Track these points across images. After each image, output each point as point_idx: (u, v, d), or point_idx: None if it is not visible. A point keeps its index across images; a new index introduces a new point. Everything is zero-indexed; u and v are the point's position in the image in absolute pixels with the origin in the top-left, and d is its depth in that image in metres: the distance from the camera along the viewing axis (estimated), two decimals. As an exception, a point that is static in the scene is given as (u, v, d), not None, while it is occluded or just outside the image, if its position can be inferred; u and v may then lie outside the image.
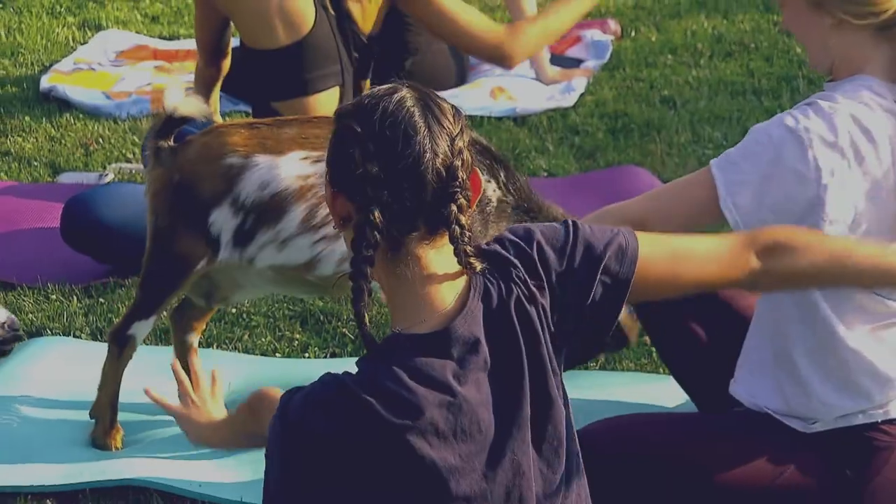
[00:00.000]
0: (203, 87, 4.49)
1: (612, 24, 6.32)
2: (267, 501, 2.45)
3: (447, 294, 2.43)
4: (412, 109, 2.38)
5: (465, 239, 2.41)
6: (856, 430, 3.14)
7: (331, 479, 2.39)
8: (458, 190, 2.39)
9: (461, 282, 2.44)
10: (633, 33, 6.33)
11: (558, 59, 5.99)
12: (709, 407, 3.43)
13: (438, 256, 2.42)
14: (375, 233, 2.37)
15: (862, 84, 3.05)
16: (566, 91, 5.71)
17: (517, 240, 2.50)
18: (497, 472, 2.43)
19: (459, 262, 2.42)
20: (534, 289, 2.46)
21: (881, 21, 3.04)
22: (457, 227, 2.40)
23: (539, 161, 5.09)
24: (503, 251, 2.48)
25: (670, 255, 2.58)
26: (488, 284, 2.45)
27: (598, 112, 5.55)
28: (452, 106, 2.44)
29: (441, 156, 2.38)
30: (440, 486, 2.39)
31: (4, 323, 3.36)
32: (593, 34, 6.19)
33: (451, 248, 2.42)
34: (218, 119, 4.51)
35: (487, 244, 2.52)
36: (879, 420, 3.13)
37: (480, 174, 2.48)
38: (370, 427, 2.35)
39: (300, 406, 2.38)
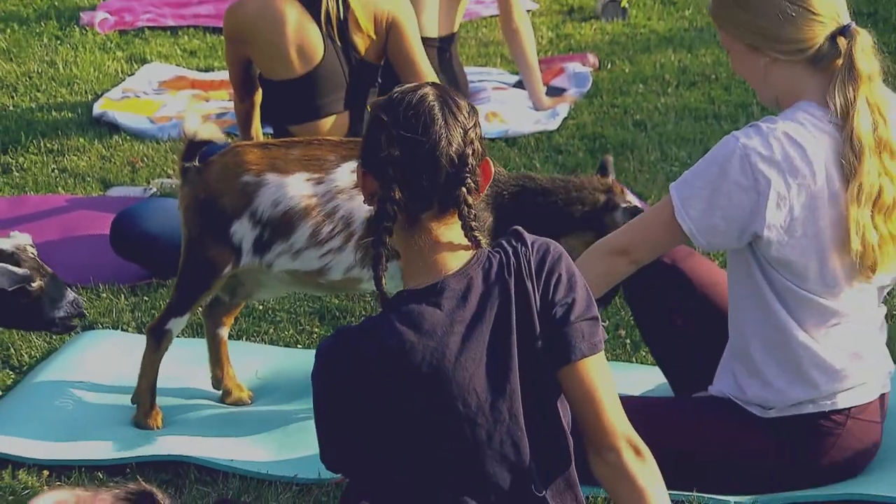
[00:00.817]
0: (243, 120, 4.45)
1: (591, 58, 6.33)
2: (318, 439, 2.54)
3: (452, 262, 2.47)
4: (432, 103, 2.43)
5: (472, 217, 2.46)
6: (807, 417, 3.14)
7: (345, 416, 2.46)
8: (468, 175, 2.44)
9: (468, 253, 2.48)
10: (609, 65, 6.33)
11: (545, 89, 5.99)
12: (681, 388, 3.42)
13: (448, 231, 2.46)
14: (395, 207, 2.42)
15: (799, 108, 3.06)
16: (551, 116, 5.71)
17: (546, 242, 2.52)
18: (479, 416, 2.43)
19: (466, 237, 2.47)
20: (534, 269, 2.48)
21: (809, 56, 3.05)
22: (465, 207, 2.44)
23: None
24: (527, 235, 2.51)
25: (590, 389, 2.49)
26: (491, 256, 2.48)
27: (579, 134, 5.56)
28: (468, 103, 2.49)
29: (455, 144, 2.42)
30: (427, 422, 2.42)
31: (74, 300, 3.42)
32: (575, 66, 6.19)
33: (459, 224, 2.47)
34: None
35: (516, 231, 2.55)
36: (827, 410, 3.13)
37: (491, 163, 2.53)
38: (365, 370, 2.41)
39: (316, 365, 2.47)
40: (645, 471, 2.49)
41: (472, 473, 2.45)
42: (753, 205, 3.00)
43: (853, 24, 3.03)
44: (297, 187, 3.47)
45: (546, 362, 2.46)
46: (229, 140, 3.64)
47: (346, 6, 4.14)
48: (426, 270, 2.47)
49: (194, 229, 3.53)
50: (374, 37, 4.18)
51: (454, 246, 2.47)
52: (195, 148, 3.53)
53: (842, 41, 3.02)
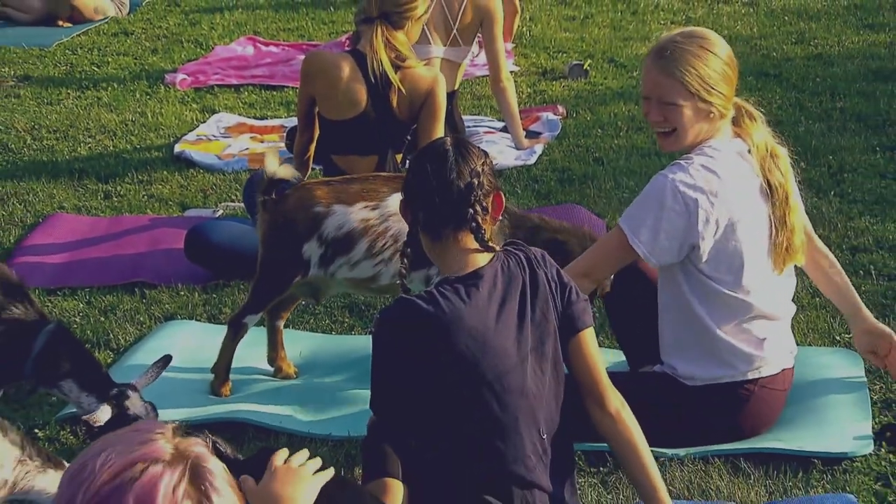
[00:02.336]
0: (300, 150, 4.35)
1: (560, 108, 6.32)
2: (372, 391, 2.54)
3: (480, 260, 2.53)
4: (448, 148, 2.53)
5: (481, 233, 2.52)
6: (725, 386, 3.15)
7: (400, 369, 2.49)
8: (475, 200, 2.51)
9: (490, 255, 2.55)
10: (574, 114, 6.33)
11: (525, 133, 5.98)
12: (635, 362, 3.41)
13: (470, 242, 2.53)
14: (418, 224, 2.53)
15: (704, 145, 3.11)
16: (529, 154, 5.71)
17: (542, 251, 2.63)
18: (514, 370, 2.50)
19: (481, 246, 2.52)
20: (546, 265, 2.58)
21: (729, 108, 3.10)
22: (473, 224, 2.51)
23: (511, 201, 5.08)
24: (521, 243, 2.63)
25: (594, 356, 2.61)
26: (508, 257, 2.56)
27: (551, 168, 5.55)
28: (481, 150, 2.58)
29: (463, 179, 2.50)
30: (472, 373, 2.47)
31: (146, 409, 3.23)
32: (548, 115, 6.19)
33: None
34: (308, 171, 4.46)
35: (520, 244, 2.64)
36: (740, 380, 3.14)
37: (503, 196, 2.60)
38: (425, 331, 2.45)
39: (380, 326, 2.50)
40: (633, 420, 2.64)
41: (502, 417, 2.49)
42: (687, 223, 3.01)
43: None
44: (357, 213, 3.48)
45: (560, 331, 2.56)
46: (300, 178, 3.62)
47: (387, 76, 4.08)
48: (461, 266, 2.53)
49: (272, 248, 3.52)
50: (409, 101, 4.13)
51: (478, 250, 2.54)
52: (273, 185, 3.52)
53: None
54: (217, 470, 1.39)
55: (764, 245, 3.10)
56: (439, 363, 2.45)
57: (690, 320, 3.11)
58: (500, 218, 3.61)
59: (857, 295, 3.41)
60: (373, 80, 4.08)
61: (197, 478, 1.36)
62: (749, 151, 3.10)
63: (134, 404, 3.16)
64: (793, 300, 3.26)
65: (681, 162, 3.06)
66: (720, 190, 3.01)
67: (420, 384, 2.47)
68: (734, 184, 3.04)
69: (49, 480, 2.68)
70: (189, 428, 1.49)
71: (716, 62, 3.05)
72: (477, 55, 6.08)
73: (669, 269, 3.11)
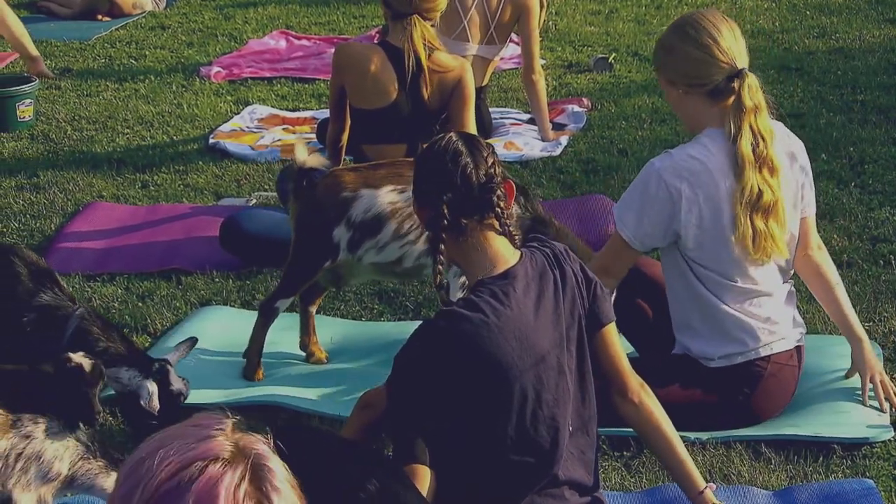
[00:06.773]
0: (332, 140, 4.35)
1: (586, 101, 6.31)
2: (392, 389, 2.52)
3: (508, 254, 2.51)
4: (458, 143, 2.51)
5: (506, 216, 2.50)
6: (740, 366, 3.16)
7: (442, 368, 2.47)
8: (496, 186, 2.50)
9: (517, 252, 2.53)
10: (599, 107, 6.31)
11: (550, 124, 5.96)
12: (644, 350, 3.41)
13: (492, 230, 2.51)
14: (444, 221, 2.47)
15: (704, 134, 3.10)
16: (555, 145, 5.70)
17: (565, 246, 2.64)
18: (551, 367, 2.49)
19: (503, 231, 2.50)
20: (571, 261, 2.57)
21: (707, 90, 3.06)
22: (498, 209, 2.50)
23: (536, 191, 5.07)
24: (547, 238, 2.63)
25: (617, 348, 2.63)
26: (534, 252, 2.55)
27: (576, 159, 5.54)
28: (486, 143, 2.57)
29: (481, 168, 2.49)
30: (515, 369, 2.46)
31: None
32: (573, 107, 6.17)
33: (497, 224, 2.51)
34: (341, 160, 4.45)
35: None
36: (753, 357, 3.15)
37: (513, 184, 2.59)
38: (465, 327, 2.43)
39: (431, 335, 2.48)
40: (656, 402, 2.64)
41: (539, 413, 2.49)
42: (671, 210, 3.03)
43: (745, 69, 3.03)
44: (384, 197, 3.48)
45: (586, 326, 2.55)
46: (329, 166, 3.63)
47: (421, 67, 4.07)
48: (492, 262, 2.49)
49: (303, 233, 3.53)
50: (439, 90, 4.11)
51: (502, 241, 2.51)
52: (304, 174, 3.52)
53: (736, 82, 3.02)
54: (278, 469, 1.31)
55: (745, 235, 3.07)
56: (483, 367, 2.43)
57: (695, 298, 3.14)
58: (523, 214, 3.64)
59: (856, 317, 3.36)
60: (407, 71, 4.08)
61: (258, 478, 1.29)
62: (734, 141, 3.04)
63: (173, 379, 3.17)
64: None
65: (671, 151, 3.10)
66: (707, 180, 3.01)
67: (456, 389, 2.46)
68: (723, 174, 3.02)
69: (112, 483, 2.66)
70: (249, 420, 1.43)
71: (678, 47, 3.07)
72: (504, 49, 6.07)
73: (671, 252, 3.13)
